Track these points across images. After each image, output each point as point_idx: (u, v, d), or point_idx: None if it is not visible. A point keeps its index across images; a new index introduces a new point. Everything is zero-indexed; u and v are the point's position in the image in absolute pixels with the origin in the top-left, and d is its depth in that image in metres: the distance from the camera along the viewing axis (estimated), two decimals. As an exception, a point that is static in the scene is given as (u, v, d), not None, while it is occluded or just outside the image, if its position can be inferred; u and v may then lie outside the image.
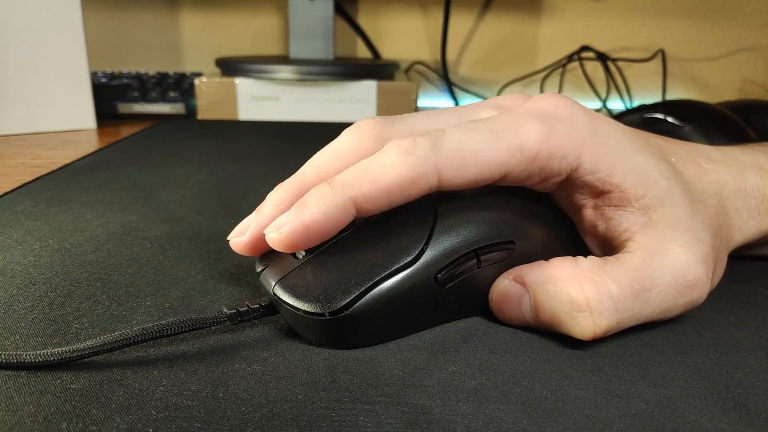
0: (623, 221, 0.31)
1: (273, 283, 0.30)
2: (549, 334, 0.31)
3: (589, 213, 0.32)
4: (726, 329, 0.32)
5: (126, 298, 0.33)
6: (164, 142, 0.76)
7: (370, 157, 0.29)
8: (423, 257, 0.29)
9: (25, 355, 0.26)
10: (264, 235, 0.29)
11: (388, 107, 0.94)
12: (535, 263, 0.31)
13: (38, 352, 0.26)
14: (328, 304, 0.28)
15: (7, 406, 0.24)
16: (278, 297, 0.29)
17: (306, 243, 0.28)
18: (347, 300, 0.28)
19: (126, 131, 0.84)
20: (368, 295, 0.29)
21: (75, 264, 0.38)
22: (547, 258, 0.32)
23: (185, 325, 0.28)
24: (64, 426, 0.23)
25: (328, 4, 1.03)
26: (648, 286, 0.29)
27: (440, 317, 0.32)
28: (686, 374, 0.28)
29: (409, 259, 0.29)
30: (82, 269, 0.37)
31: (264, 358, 0.28)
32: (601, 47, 1.19)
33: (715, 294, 0.33)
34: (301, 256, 0.31)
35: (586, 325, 0.29)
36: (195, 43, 1.20)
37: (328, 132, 0.83)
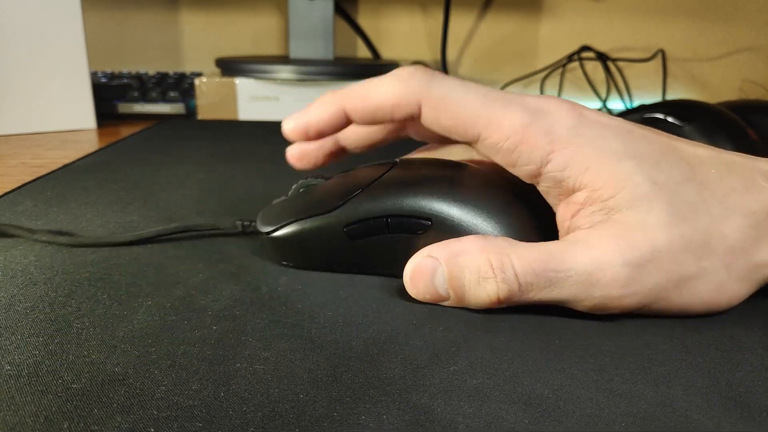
0: (583, 218, 0.32)
1: (260, 212, 0.41)
2: (549, 333, 0.31)
3: (561, 208, 0.34)
4: (727, 328, 0.32)
5: (127, 298, 0.33)
6: (164, 142, 0.76)
7: (374, 78, 0.35)
8: (336, 211, 0.36)
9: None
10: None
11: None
12: (447, 240, 0.34)
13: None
14: (265, 227, 0.39)
15: (8, 405, 0.24)
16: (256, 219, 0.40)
17: (306, 135, 0.36)
18: (274, 227, 0.38)
19: (126, 131, 0.84)
20: (288, 226, 0.38)
21: (76, 264, 0.38)
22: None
23: (202, 227, 0.42)
24: (65, 426, 0.23)
25: (328, 4, 1.03)
26: (554, 267, 0.31)
27: (355, 266, 0.38)
28: (688, 373, 0.28)
29: (325, 209, 0.37)
30: (82, 269, 0.37)
31: (265, 358, 0.28)
32: (601, 47, 1.19)
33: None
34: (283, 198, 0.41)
35: (491, 290, 0.31)
36: (195, 43, 1.20)
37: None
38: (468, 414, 0.24)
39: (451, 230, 0.34)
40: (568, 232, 0.33)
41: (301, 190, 0.40)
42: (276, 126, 0.87)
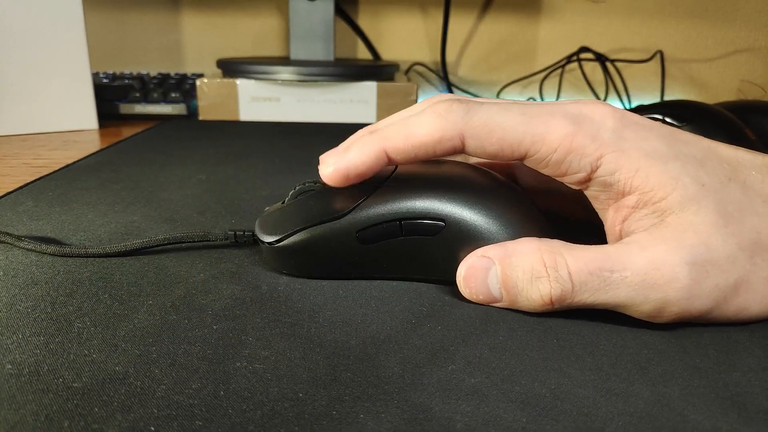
0: (635, 222, 0.32)
1: (257, 220, 0.39)
2: (548, 333, 0.31)
3: (611, 214, 0.33)
4: (724, 328, 0.32)
5: (128, 297, 0.34)
6: (166, 142, 0.76)
7: (411, 114, 0.34)
8: (347, 216, 0.35)
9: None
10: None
11: (388, 108, 0.94)
12: (500, 243, 0.33)
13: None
14: (270, 236, 0.37)
15: (9, 404, 0.24)
16: (254, 228, 0.39)
17: (346, 181, 0.34)
18: (281, 236, 0.36)
19: (127, 132, 0.84)
20: (296, 235, 0.36)
21: (77, 263, 0.38)
22: (485, 241, 0.34)
23: (192, 238, 0.40)
24: (66, 424, 0.23)
25: (328, 5, 1.02)
26: (609, 267, 0.30)
27: (369, 271, 0.37)
28: (685, 373, 0.28)
29: (335, 215, 0.35)
30: (84, 268, 0.37)
31: (265, 357, 0.28)
32: (600, 48, 1.19)
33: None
34: (281, 204, 0.39)
35: (544, 289, 0.31)
36: (196, 44, 1.20)
37: (328, 132, 0.83)
38: (466, 413, 0.24)
39: (465, 230, 0.34)
40: (619, 238, 0.33)
41: (299, 196, 0.39)
42: (277, 126, 0.87)
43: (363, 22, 1.20)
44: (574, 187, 0.34)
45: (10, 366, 0.27)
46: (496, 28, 1.20)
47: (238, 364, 0.27)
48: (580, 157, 0.32)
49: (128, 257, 0.39)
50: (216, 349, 0.29)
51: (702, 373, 0.28)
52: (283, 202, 0.39)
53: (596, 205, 0.34)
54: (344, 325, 0.31)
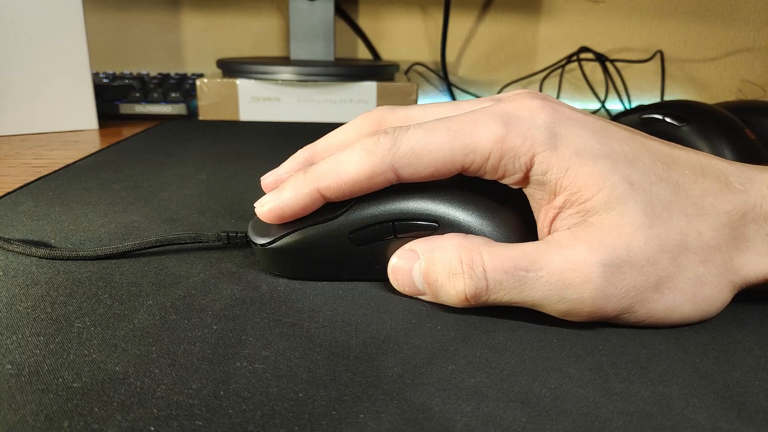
0: (561, 222, 0.32)
1: (250, 222, 0.39)
2: (547, 332, 0.31)
3: (542, 214, 0.33)
4: (724, 328, 0.32)
5: (128, 298, 0.34)
6: (166, 142, 0.76)
7: (339, 152, 0.34)
8: (340, 218, 0.35)
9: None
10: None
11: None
12: (429, 237, 0.34)
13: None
14: (262, 238, 0.37)
15: (9, 404, 0.24)
16: (247, 230, 0.39)
17: (282, 219, 0.35)
18: (273, 237, 0.36)
19: (128, 132, 0.84)
20: (289, 236, 0.36)
21: (77, 263, 0.38)
22: None
23: (184, 239, 0.40)
24: (65, 424, 0.23)
25: (328, 5, 1.02)
26: (525, 266, 0.30)
27: (361, 272, 0.37)
28: (684, 373, 0.28)
29: (329, 216, 0.35)
30: (83, 268, 0.37)
31: (265, 357, 0.28)
32: (600, 48, 1.19)
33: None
34: None
35: (459, 286, 0.31)
36: (196, 45, 1.20)
37: (327, 132, 0.83)
38: (466, 412, 0.24)
39: (458, 230, 0.34)
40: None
41: None
42: (277, 126, 0.87)
43: (363, 22, 1.20)
44: (514, 187, 0.34)
45: (10, 366, 0.27)
46: (496, 28, 1.20)
47: (238, 364, 0.27)
48: (513, 159, 0.32)
49: (128, 258, 0.39)
50: (216, 349, 0.29)
51: (702, 372, 0.28)
52: None
53: (532, 204, 0.34)
54: (344, 325, 0.31)
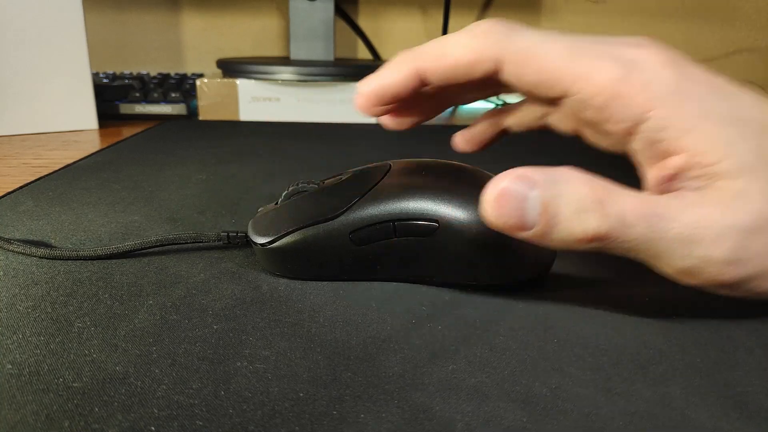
0: (684, 183, 0.30)
1: (250, 221, 0.39)
2: (548, 332, 0.31)
3: (654, 172, 0.31)
4: (725, 328, 0.32)
5: (128, 297, 0.34)
6: (166, 142, 0.76)
7: (450, 34, 0.33)
8: (340, 217, 0.35)
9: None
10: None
11: (389, 108, 0.94)
12: (539, 167, 0.29)
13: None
14: (262, 238, 0.37)
15: (9, 404, 0.24)
16: (247, 230, 0.39)
17: (380, 101, 0.34)
18: (273, 237, 0.36)
19: (128, 132, 0.84)
20: (289, 236, 0.36)
21: (77, 263, 0.38)
22: (477, 238, 0.33)
23: (184, 239, 0.40)
24: (66, 424, 0.23)
25: (328, 5, 1.02)
26: (659, 213, 0.28)
27: (362, 273, 0.36)
28: (686, 373, 0.28)
29: (329, 216, 0.35)
30: (84, 268, 0.37)
31: (266, 357, 0.28)
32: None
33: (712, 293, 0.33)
34: (275, 205, 0.39)
35: (590, 224, 0.28)
36: (196, 45, 1.21)
37: (328, 132, 0.83)
38: (467, 412, 0.24)
39: (459, 230, 0.34)
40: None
41: (293, 197, 0.38)
42: (277, 126, 0.87)
43: (363, 21, 1.20)
44: (616, 138, 0.32)
45: (10, 366, 0.27)
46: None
47: (239, 363, 0.27)
48: (625, 106, 0.29)
49: (128, 258, 0.39)
50: (216, 348, 0.29)
51: (703, 372, 0.28)
52: (277, 203, 0.39)
53: (638, 159, 0.32)
54: (345, 325, 0.31)
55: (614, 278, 0.37)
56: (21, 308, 0.32)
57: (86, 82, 0.82)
